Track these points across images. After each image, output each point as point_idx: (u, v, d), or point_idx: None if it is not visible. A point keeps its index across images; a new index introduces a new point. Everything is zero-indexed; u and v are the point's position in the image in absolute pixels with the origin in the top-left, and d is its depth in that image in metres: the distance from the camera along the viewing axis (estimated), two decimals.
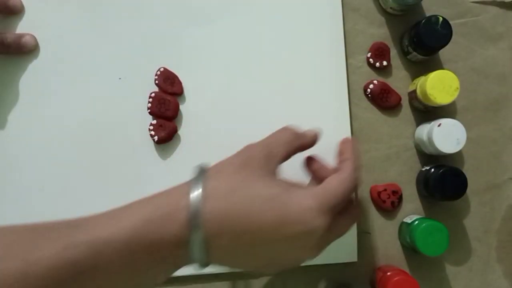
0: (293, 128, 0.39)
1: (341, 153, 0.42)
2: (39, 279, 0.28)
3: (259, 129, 0.48)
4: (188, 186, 0.32)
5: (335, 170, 0.39)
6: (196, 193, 0.31)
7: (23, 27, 0.48)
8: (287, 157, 0.37)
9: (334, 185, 0.35)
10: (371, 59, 0.49)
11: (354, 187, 0.37)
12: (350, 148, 0.41)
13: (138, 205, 0.32)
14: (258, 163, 0.34)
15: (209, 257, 0.31)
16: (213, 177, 0.33)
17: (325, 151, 0.48)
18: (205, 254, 0.31)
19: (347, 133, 0.49)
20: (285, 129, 0.39)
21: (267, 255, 0.33)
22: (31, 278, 0.28)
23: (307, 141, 0.39)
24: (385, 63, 0.49)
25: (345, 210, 0.37)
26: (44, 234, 0.30)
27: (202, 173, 0.34)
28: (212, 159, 0.48)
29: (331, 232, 0.35)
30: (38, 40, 0.48)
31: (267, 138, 0.38)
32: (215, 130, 0.49)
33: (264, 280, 0.49)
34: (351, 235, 0.48)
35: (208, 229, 0.31)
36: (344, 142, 0.44)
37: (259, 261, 0.34)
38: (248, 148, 0.36)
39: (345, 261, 0.48)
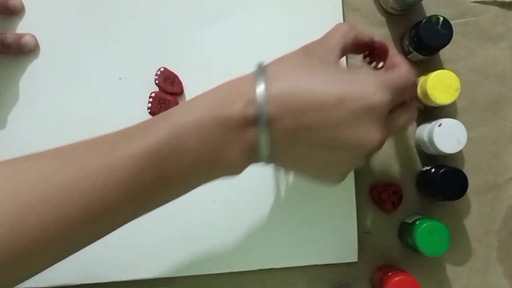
0: (345, 23, 0.40)
1: (390, 63, 0.39)
2: (127, 166, 0.30)
3: None
4: (253, 73, 0.34)
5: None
6: (262, 76, 0.33)
7: (23, 27, 0.48)
8: (345, 49, 0.37)
9: (398, 71, 0.35)
10: None
11: (412, 80, 0.36)
12: (397, 54, 0.40)
13: (209, 92, 0.34)
14: (319, 53, 0.35)
15: (273, 140, 0.32)
16: (277, 62, 0.35)
17: None
18: (269, 136, 0.32)
19: None
20: (339, 24, 0.39)
21: (330, 142, 0.33)
22: (119, 167, 0.30)
23: (363, 36, 0.39)
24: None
25: (402, 106, 0.37)
26: (130, 130, 0.33)
27: (263, 65, 0.35)
28: None
29: (391, 121, 0.35)
30: (38, 40, 0.48)
31: (326, 33, 0.39)
32: None
33: (264, 280, 0.49)
34: (351, 235, 0.48)
35: (273, 107, 0.31)
36: (392, 55, 0.40)
37: (321, 153, 0.34)
38: (308, 44, 0.37)
39: (346, 261, 0.48)
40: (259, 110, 0.31)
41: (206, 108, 0.32)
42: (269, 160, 0.34)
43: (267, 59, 0.49)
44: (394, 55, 0.39)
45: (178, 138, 0.31)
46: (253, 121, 0.32)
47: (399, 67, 0.36)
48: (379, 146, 0.34)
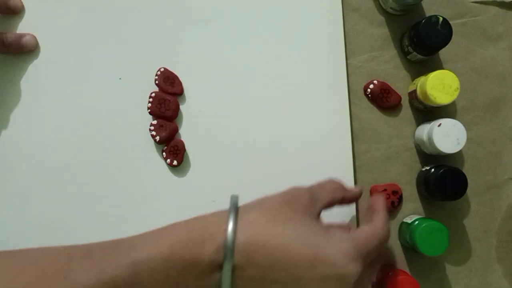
0: (338, 180, 0.40)
1: (372, 206, 0.42)
2: None
3: (259, 129, 0.49)
4: (226, 213, 0.33)
5: (367, 221, 0.39)
6: (233, 222, 0.32)
7: (24, 27, 0.48)
8: (330, 204, 0.38)
9: (372, 231, 0.36)
10: None
11: (386, 240, 0.37)
12: (382, 204, 0.42)
13: (175, 227, 0.33)
14: (302, 203, 0.35)
15: (234, 286, 0.32)
16: (254, 208, 0.34)
17: (325, 152, 0.49)
18: (233, 283, 0.31)
19: (347, 133, 0.49)
20: (331, 180, 0.40)
21: None
22: None
23: (352, 195, 0.41)
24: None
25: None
26: (84, 254, 0.31)
27: (236, 205, 0.34)
28: (212, 159, 0.48)
29: (360, 280, 0.34)
30: (38, 40, 0.48)
31: (313, 184, 0.38)
32: (215, 130, 0.49)
33: None
34: None
35: (242, 257, 0.31)
36: (376, 197, 0.44)
37: None
38: (293, 189, 0.37)
39: None
40: (226, 257, 0.31)
41: (175, 246, 0.31)
42: None
43: (267, 59, 0.49)
44: (377, 200, 0.42)
45: (139, 275, 0.30)
46: (219, 266, 0.31)
47: (375, 223, 0.38)
48: None
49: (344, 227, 0.38)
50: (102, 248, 0.32)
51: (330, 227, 0.35)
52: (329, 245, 0.33)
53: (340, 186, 0.40)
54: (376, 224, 0.37)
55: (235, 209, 0.33)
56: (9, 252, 0.32)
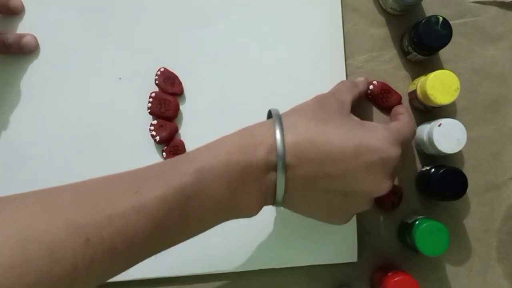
0: (348, 80, 0.47)
1: (395, 111, 0.47)
2: (154, 207, 0.30)
3: None
4: (271, 121, 0.36)
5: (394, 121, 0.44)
6: (278, 125, 0.35)
7: (24, 27, 0.48)
8: (353, 103, 0.41)
9: (402, 124, 0.40)
10: None
11: (414, 132, 0.42)
12: (403, 108, 0.47)
13: (226, 139, 0.35)
14: (332, 105, 0.38)
15: (291, 186, 0.34)
16: (293, 113, 0.37)
17: None
18: (287, 182, 0.34)
19: None
20: (343, 82, 0.45)
21: (345, 189, 0.35)
22: (146, 208, 0.30)
23: (362, 88, 0.46)
24: None
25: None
26: (149, 172, 0.33)
27: (278, 113, 0.37)
28: None
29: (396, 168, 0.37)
30: (38, 40, 0.48)
31: (331, 89, 0.42)
32: (215, 130, 0.48)
33: (264, 280, 0.49)
34: (351, 235, 0.48)
35: (293, 155, 0.33)
36: (398, 106, 0.48)
37: (334, 199, 0.36)
38: (320, 95, 0.40)
39: (345, 261, 0.48)
40: (279, 158, 0.33)
41: (231, 152, 0.33)
42: (284, 204, 0.36)
43: (267, 59, 0.49)
44: (398, 106, 0.48)
45: (204, 181, 0.32)
46: (273, 167, 0.34)
47: (402, 119, 0.42)
48: (385, 193, 0.37)
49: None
50: (165, 164, 0.34)
51: (365, 121, 0.38)
52: (369, 135, 0.35)
53: (352, 83, 0.44)
54: (404, 119, 0.42)
55: (277, 116, 0.36)
56: (76, 183, 0.33)
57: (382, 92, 0.49)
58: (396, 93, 0.49)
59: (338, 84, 0.43)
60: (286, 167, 0.34)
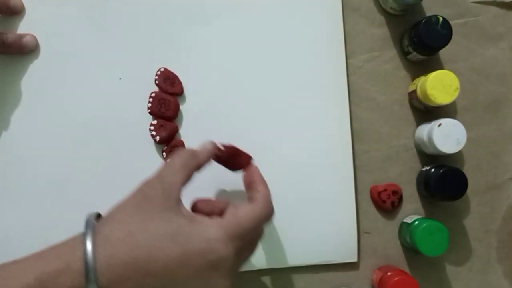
0: (186, 150, 0.38)
1: (251, 183, 0.41)
2: None
3: (258, 128, 0.49)
4: (82, 236, 0.31)
5: (249, 199, 0.39)
6: (89, 242, 0.30)
7: (24, 27, 0.48)
8: (187, 180, 0.36)
9: (244, 215, 0.35)
10: None
11: (268, 219, 0.37)
12: (260, 177, 0.41)
13: (30, 260, 0.31)
14: (155, 200, 0.33)
15: None
16: (108, 223, 0.32)
17: (326, 153, 0.49)
18: None
19: (347, 134, 0.49)
20: (177, 154, 0.37)
21: None
22: None
23: (204, 157, 0.38)
24: None
25: None
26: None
27: (92, 223, 0.32)
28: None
29: (241, 256, 0.35)
30: (38, 40, 0.48)
31: (162, 168, 0.36)
32: (215, 130, 0.49)
33: (264, 280, 0.49)
34: (351, 235, 0.48)
35: (107, 278, 0.30)
36: (250, 172, 0.42)
37: None
38: (143, 186, 0.35)
39: (345, 261, 0.48)
40: (90, 283, 0.29)
41: (26, 284, 0.29)
42: None
43: (267, 59, 0.49)
44: (257, 185, 0.39)
45: None
46: None
47: (255, 203, 0.36)
48: (233, 283, 0.34)
49: (220, 207, 0.38)
50: None
51: (195, 215, 0.34)
52: (195, 236, 0.32)
53: (190, 155, 0.37)
54: (257, 204, 0.36)
55: (90, 226, 0.32)
56: None
57: (230, 157, 0.43)
58: (246, 154, 0.44)
59: (169, 162, 0.36)
60: None
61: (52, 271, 0.29)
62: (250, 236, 0.35)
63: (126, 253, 0.30)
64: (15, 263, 0.31)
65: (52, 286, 0.29)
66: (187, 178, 0.36)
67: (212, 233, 0.32)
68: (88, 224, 0.32)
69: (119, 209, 0.34)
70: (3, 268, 0.31)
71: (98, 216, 0.35)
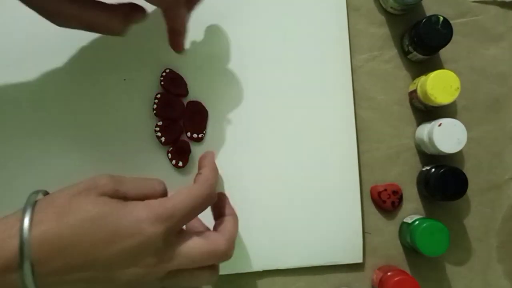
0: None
1: (199, 167, 0.42)
2: None
3: (264, 128, 0.49)
4: (20, 212, 0.32)
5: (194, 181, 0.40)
6: (27, 219, 0.31)
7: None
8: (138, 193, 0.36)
9: (177, 196, 0.35)
10: None
11: (205, 202, 0.37)
12: (209, 162, 0.42)
13: None
14: (98, 188, 0.34)
15: (41, 284, 0.31)
16: (46, 202, 0.33)
17: (330, 152, 0.48)
18: (36, 280, 0.31)
19: (352, 133, 0.49)
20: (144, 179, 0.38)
21: (107, 281, 0.32)
22: None
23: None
24: None
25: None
26: None
27: (32, 200, 0.33)
28: (217, 161, 0.48)
29: (178, 247, 0.34)
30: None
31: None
32: (220, 131, 0.49)
33: (266, 281, 0.49)
34: (356, 236, 0.48)
35: (39, 254, 0.30)
36: (204, 156, 0.44)
37: None
38: (91, 178, 0.36)
39: (350, 262, 0.48)
40: (24, 258, 0.30)
41: None
42: None
43: (272, 59, 0.49)
44: (203, 168, 0.41)
45: None
46: (17, 267, 0.30)
47: (195, 184, 0.37)
48: (161, 276, 0.34)
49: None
50: None
51: (132, 201, 0.34)
52: (124, 217, 0.32)
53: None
54: (194, 186, 0.37)
55: (29, 206, 0.33)
56: None
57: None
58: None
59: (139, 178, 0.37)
60: (32, 266, 0.30)
61: None
62: (183, 218, 0.35)
63: (61, 230, 0.31)
64: None
65: None
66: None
67: (140, 213, 0.33)
68: (28, 201, 0.33)
69: (61, 191, 0.34)
70: None
71: (46, 194, 0.36)
